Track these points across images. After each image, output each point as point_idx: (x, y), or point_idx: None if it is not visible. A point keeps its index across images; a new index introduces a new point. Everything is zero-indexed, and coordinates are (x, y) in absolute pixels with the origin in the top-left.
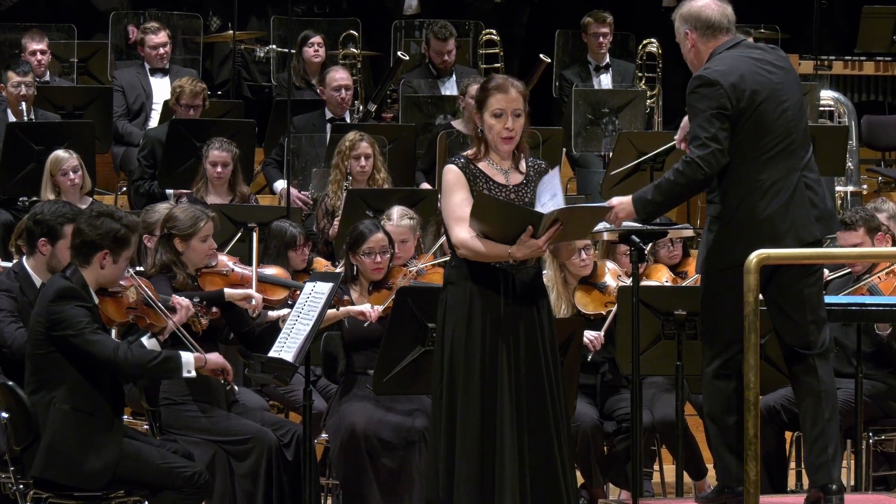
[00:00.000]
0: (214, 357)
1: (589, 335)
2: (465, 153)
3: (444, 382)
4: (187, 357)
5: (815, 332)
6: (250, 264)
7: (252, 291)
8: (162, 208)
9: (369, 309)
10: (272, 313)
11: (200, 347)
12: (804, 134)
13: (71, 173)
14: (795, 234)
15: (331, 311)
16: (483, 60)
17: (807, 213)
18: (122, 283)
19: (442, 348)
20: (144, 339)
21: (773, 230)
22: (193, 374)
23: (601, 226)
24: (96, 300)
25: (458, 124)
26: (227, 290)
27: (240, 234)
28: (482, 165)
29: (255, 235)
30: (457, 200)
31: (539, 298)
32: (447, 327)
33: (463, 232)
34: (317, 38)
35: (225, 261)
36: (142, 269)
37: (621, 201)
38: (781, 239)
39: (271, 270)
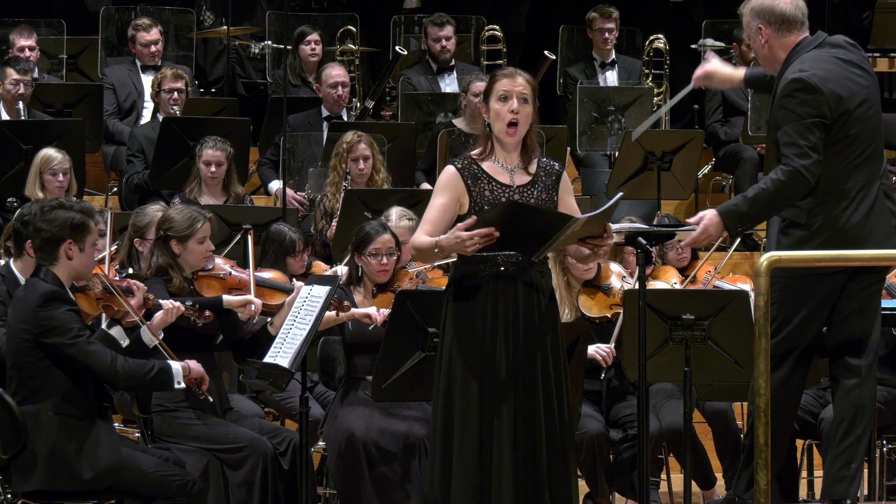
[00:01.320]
0: (195, 365)
1: (600, 350)
2: (470, 153)
3: (441, 387)
4: (176, 367)
5: (867, 339)
6: (246, 267)
7: (251, 297)
8: (152, 210)
9: (375, 311)
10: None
11: (193, 355)
12: (882, 140)
13: (60, 175)
14: (875, 246)
15: (331, 315)
16: (485, 57)
17: (887, 222)
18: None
19: (441, 353)
20: (104, 326)
21: (856, 239)
22: (183, 384)
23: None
24: (75, 301)
25: (459, 122)
26: (225, 298)
27: (239, 237)
28: (486, 165)
29: (249, 238)
30: (435, 203)
31: (544, 302)
32: (448, 331)
33: (418, 233)
34: (313, 36)
35: (221, 264)
36: (132, 271)
37: (709, 219)
38: (862, 248)
39: (269, 274)
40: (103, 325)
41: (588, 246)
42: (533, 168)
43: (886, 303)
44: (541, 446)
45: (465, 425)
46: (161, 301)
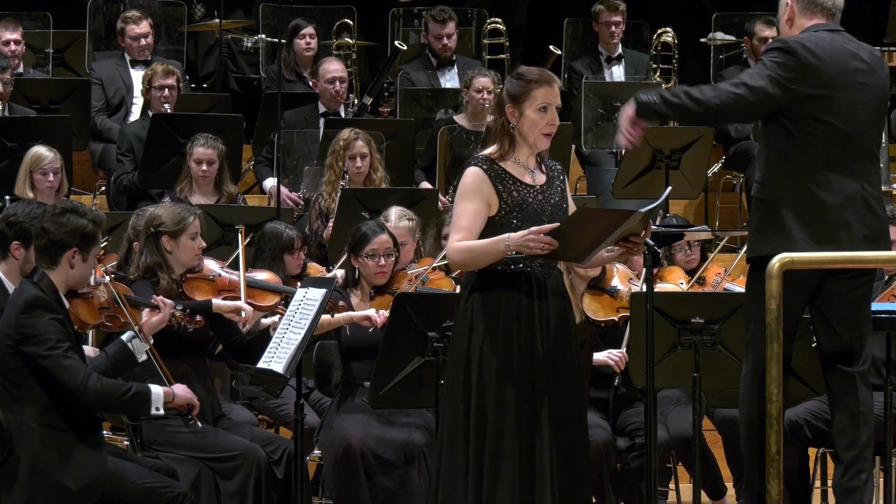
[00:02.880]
0: (182, 391)
1: (613, 355)
2: (485, 152)
3: (473, 395)
4: (157, 392)
5: (859, 346)
6: (237, 268)
7: (242, 304)
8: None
9: (374, 314)
10: (264, 321)
11: (184, 360)
12: (873, 145)
13: (51, 175)
14: (851, 240)
15: (328, 318)
16: (487, 51)
17: (856, 226)
18: (90, 283)
19: (468, 359)
20: (125, 338)
21: (817, 234)
22: (162, 411)
23: None
24: (67, 305)
25: (461, 119)
26: (215, 302)
27: (245, 240)
28: (507, 165)
29: (240, 236)
30: (467, 209)
31: (566, 304)
32: (475, 337)
33: (454, 241)
34: (308, 30)
35: (211, 266)
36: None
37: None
38: (822, 246)
39: (261, 275)
40: (123, 337)
41: (627, 245)
42: (543, 167)
43: None
44: (574, 454)
45: (500, 431)
46: (154, 298)
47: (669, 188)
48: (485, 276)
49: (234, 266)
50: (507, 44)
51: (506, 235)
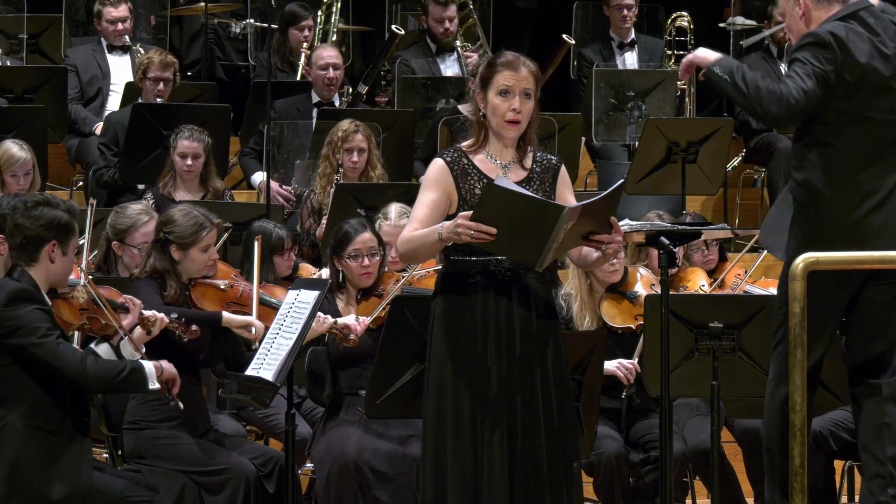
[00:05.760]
0: (168, 365)
1: (622, 366)
2: (461, 144)
3: (430, 401)
4: (149, 367)
5: (889, 357)
6: (250, 276)
7: (253, 319)
8: (134, 211)
9: (353, 321)
10: None
11: (171, 364)
12: None
13: (22, 178)
14: (884, 247)
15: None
16: (461, 28)
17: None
18: (68, 284)
19: (430, 365)
20: (94, 346)
21: (862, 236)
22: (157, 385)
23: (625, 224)
24: (49, 302)
25: (465, 109)
26: (225, 316)
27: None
28: (478, 158)
29: (256, 245)
30: (423, 200)
31: (541, 311)
32: (437, 342)
33: (406, 231)
34: (308, 22)
35: (223, 273)
36: (108, 275)
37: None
38: (873, 243)
39: (274, 291)
40: (92, 345)
41: (593, 244)
42: (528, 163)
43: None
44: (540, 467)
45: (457, 442)
46: (144, 312)
47: (622, 181)
48: (448, 278)
49: (245, 273)
50: (477, 28)
51: (440, 224)
